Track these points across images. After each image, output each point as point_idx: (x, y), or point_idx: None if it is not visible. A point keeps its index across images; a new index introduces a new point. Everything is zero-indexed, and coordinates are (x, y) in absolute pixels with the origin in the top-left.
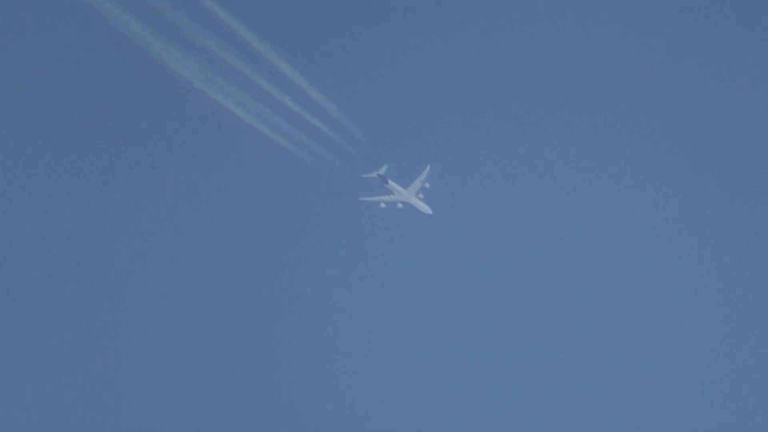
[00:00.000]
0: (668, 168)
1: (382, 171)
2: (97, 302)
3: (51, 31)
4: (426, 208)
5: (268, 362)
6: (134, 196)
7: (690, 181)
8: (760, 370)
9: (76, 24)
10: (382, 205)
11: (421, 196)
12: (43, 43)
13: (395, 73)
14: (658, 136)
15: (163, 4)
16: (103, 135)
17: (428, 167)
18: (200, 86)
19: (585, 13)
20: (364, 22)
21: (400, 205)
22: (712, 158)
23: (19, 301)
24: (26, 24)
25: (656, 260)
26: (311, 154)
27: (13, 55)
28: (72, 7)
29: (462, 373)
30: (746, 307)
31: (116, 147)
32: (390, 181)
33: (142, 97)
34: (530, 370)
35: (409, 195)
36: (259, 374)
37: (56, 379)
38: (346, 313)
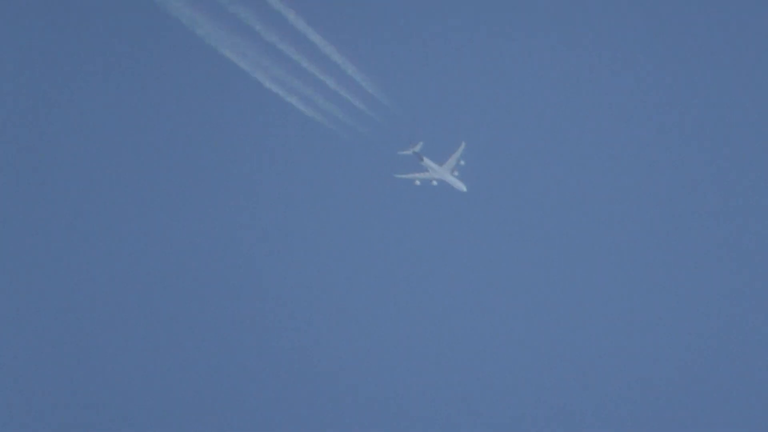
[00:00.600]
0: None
1: (418, 148)
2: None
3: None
4: (460, 185)
5: (299, 332)
6: (169, 165)
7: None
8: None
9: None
10: (417, 182)
11: (456, 173)
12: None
13: (434, 51)
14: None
15: None
16: (143, 120)
17: (463, 144)
18: (243, 66)
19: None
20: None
21: (434, 182)
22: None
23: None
24: None
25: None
26: (348, 131)
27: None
28: None
29: (491, 346)
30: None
31: (158, 129)
32: (425, 159)
33: (179, 68)
34: (556, 349)
35: (444, 172)
36: (291, 336)
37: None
38: (383, 287)
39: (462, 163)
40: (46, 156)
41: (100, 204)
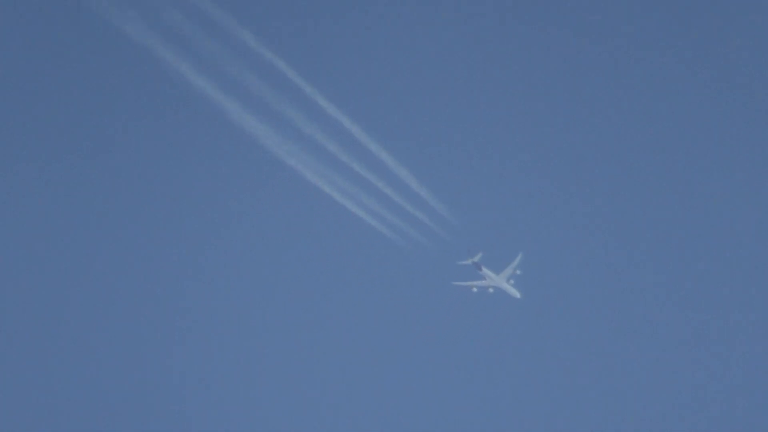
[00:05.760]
0: None
1: (477, 258)
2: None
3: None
4: (515, 293)
5: None
6: (236, 276)
7: None
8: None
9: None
10: (474, 289)
11: (512, 281)
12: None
13: (492, 167)
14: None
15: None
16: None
17: (520, 255)
18: (302, 171)
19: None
20: (459, 113)
21: (491, 290)
22: None
23: None
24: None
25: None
26: (410, 242)
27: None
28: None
29: None
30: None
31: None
32: (484, 268)
33: (247, 183)
34: None
35: (501, 280)
36: None
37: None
38: (441, 388)
39: (518, 272)
40: None
41: None
